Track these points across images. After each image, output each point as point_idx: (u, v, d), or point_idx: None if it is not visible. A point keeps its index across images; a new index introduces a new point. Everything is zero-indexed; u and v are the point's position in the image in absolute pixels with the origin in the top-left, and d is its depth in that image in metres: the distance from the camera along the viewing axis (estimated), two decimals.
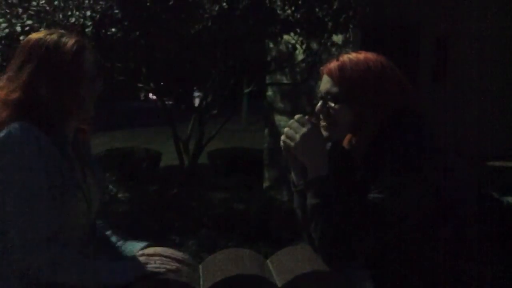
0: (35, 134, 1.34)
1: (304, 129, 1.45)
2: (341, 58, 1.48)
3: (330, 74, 1.47)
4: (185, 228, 4.93)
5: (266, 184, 6.93)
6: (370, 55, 1.48)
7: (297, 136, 1.46)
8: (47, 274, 1.34)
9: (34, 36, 1.44)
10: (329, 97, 1.47)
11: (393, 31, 6.71)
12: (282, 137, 1.50)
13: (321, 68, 1.51)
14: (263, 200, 6.07)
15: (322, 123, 1.50)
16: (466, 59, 6.93)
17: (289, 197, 6.61)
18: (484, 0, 6.70)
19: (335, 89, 1.45)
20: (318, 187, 1.45)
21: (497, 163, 6.36)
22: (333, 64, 1.47)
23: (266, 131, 6.98)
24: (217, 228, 4.89)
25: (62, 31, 1.46)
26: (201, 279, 1.54)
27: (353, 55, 1.48)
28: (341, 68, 1.45)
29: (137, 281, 1.42)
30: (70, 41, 1.41)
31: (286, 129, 1.50)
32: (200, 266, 1.62)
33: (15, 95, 1.37)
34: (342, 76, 1.44)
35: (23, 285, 1.36)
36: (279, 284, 1.49)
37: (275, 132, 6.83)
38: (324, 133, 1.49)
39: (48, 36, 1.42)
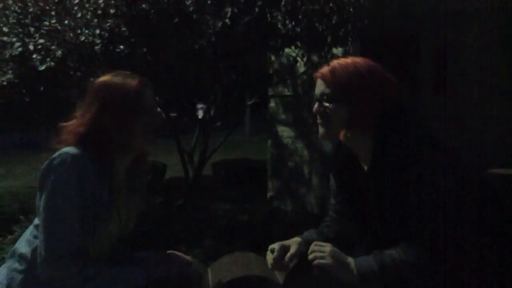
0: (80, 160, 1.49)
1: (329, 245, 1.58)
2: (331, 63, 1.64)
3: (322, 77, 1.62)
4: (191, 238, 5.00)
5: (269, 194, 6.97)
6: (357, 59, 1.63)
7: (327, 249, 1.57)
8: (71, 285, 1.46)
9: (101, 78, 1.61)
10: (324, 98, 1.61)
11: (393, 42, 6.82)
12: (311, 256, 1.59)
13: (315, 73, 1.67)
14: (267, 210, 6.14)
15: (319, 123, 1.64)
16: (466, 70, 7.01)
17: (292, 207, 6.68)
18: (483, 12, 6.78)
19: (328, 91, 1.60)
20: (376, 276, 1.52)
21: (498, 171, 6.41)
22: (325, 69, 1.63)
23: (269, 142, 7.03)
24: (222, 238, 4.97)
25: (127, 72, 1.63)
26: (210, 281, 1.65)
27: (342, 60, 1.63)
28: (332, 71, 1.60)
29: (150, 284, 1.54)
30: (132, 82, 1.58)
31: (312, 250, 1.60)
32: (209, 269, 1.73)
33: (81, 129, 1.54)
34: (333, 79, 1.59)
35: None
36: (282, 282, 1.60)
37: (278, 143, 6.91)
38: (321, 131, 1.64)
39: (113, 78, 1.59)
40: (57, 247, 1.44)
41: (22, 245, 1.56)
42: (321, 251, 1.56)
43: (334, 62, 1.63)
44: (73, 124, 1.58)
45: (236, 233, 5.07)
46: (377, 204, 1.61)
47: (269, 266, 1.68)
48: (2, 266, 1.58)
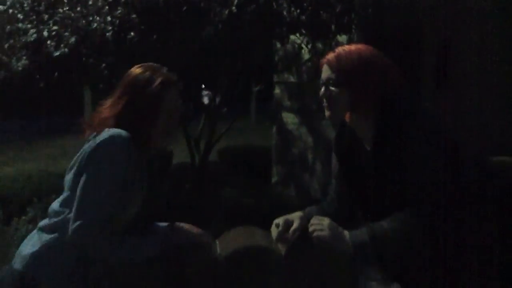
0: (129, 142, 1.67)
1: (327, 219, 1.73)
2: (337, 50, 1.77)
3: (328, 63, 1.76)
4: (197, 221, 5.13)
5: (274, 179, 7.10)
6: (361, 46, 1.77)
7: (325, 222, 1.72)
8: (101, 250, 1.63)
9: (132, 72, 1.78)
10: (329, 82, 1.75)
11: (396, 32, 6.88)
12: (310, 229, 1.74)
13: (321, 60, 1.80)
14: (272, 195, 6.27)
15: (325, 106, 1.78)
16: (468, 65, 7.07)
17: (296, 192, 6.82)
18: (486, 7, 6.82)
19: (333, 76, 1.74)
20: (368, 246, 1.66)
21: (501, 159, 6.48)
22: (331, 55, 1.76)
23: (274, 128, 7.13)
24: (228, 221, 5.10)
25: (157, 66, 1.80)
26: (218, 250, 1.80)
27: (346, 47, 1.77)
28: (337, 58, 1.74)
29: (164, 251, 1.70)
30: (158, 79, 1.74)
31: (312, 223, 1.75)
32: (217, 241, 1.88)
33: (110, 122, 1.72)
34: (338, 65, 1.73)
35: (79, 262, 1.64)
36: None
37: (283, 130, 7.02)
38: (327, 113, 1.78)
39: (142, 74, 1.76)
40: (92, 215, 1.60)
41: (52, 216, 1.71)
42: (320, 224, 1.71)
43: (339, 49, 1.76)
44: (104, 113, 1.75)
45: (241, 216, 5.19)
46: (377, 180, 1.74)
47: (274, 239, 1.83)
48: (34, 237, 1.73)
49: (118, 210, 1.67)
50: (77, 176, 1.67)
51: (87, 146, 1.69)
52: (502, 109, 6.83)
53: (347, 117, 1.79)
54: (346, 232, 1.69)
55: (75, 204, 1.63)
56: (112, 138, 1.65)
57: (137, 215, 1.81)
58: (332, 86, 1.74)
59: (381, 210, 1.72)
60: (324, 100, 1.78)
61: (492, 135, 6.65)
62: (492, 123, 6.78)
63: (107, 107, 1.76)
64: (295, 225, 1.85)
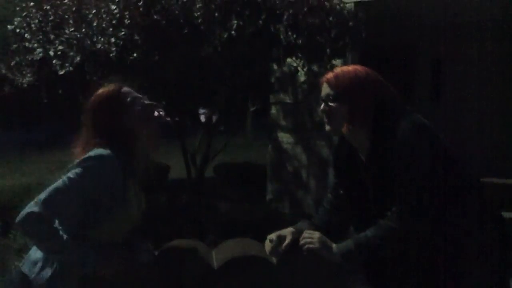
0: (106, 161, 1.82)
1: (317, 233, 1.92)
2: (335, 70, 1.99)
3: (327, 82, 1.96)
4: (192, 234, 5.22)
5: (269, 196, 7.20)
6: (357, 67, 1.98)
7: (315, 236, 1.90)
8: (37, 241, 1.79)
9: (99, 92, 1.98)
10: (329, 98, 1.95)
11: (390, 53, 7.06)
12: (302, 241, 1.93)
13: (321, 79, 2.01)
14: (266, 211, 6.36)
15: (325, 120, 1.98)
16: (461, 80, 7.24)
17: (290, 209, 6.93)
18: (479, 23, 7.00)
19: (332, 92, 1.94)
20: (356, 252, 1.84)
21: (494, 180, 6.60)
22: (330, 75, 1.98)
23: (270, 147, 7.25)
24: (222, 236, 5.19)
25: (120, 85, 1.99)
26: (214, 260, 1.94)
27: (344, 67, 1.99)
28: (336, 76, 1.95)
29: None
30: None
31: (303, 236, 1.94)
32: (213, 251, 2.02)
33: (96, 140, 1.89)
34: (336, 82, 1.93)
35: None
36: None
37: (278, 148, 7.16)
38: (327, 127, 1.98)
39: (109, 91, 1.96)
40: (39, 206, 1.73)
41: None
42: (311, 237, 1.89)
43: (337, 69, 1.98)
44: (87, 135, 1.92)
45: (236, 230, 5.28)
46: (372, 188, 1.91)
47: (268, 253, 1.98)
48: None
49: (99, 220, 1.81)
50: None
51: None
52: (495, 121, 6.96)
53: (344, 130, 1.96)
54: (334, 245, 1.86)
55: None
56: (89, 157, 1.81)
57: (132, 227, 1.94)
58: (331, 102, 1.93)
59: (375, 218, 1.87)
60: (324, 115, 1.97)
61: (486, 147, 6.77)
62: (486, 136, 6.91)
63: (85, 130, 1.94)
64: (287, 240, 2.00)
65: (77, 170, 1.78)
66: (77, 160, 1.83)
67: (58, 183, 1.77)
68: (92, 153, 1.82)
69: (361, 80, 1.91)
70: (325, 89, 1.96)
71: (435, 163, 1.78)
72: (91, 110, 1.94)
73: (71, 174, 1.78)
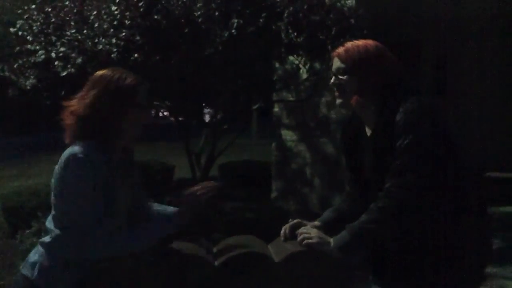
0: (91, 154, 1.79)
1: (314, 229, 1.95)
2: (345, 45, 2.01)
3: (338, 56, 1.99)
4: (199, 232, 5.24)
5: (273, 195, 7.25)
6: (368, 41, 2.01)
7: (313, 232, 1.93)
8: (100, 249, 1.77)
9: (102, 71, 1.90)
10: (339, 71, 1.97)
11: (394, 50, 7.06)
12: (300, 238, 1.94)
13: (332, 53, 2.04)
14: (271, 209, 6.38)
15: (336, 94, 2.00)
16: (466, 77, 7.24)
17: (295, 206, 6.96)
18: (483, 20, 7.00)
19: (342, 66, 1.97)
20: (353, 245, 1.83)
21: (496, 174, 6.61)
22: (340, 49, 2.00)
23: (274, 145, 7.30)
24: (228, 233, 5.19)
25: (124, 70, 1.92)
26: (216, 257, 1.95)
27: (355, 42, 2.01)
28: (346, 50, 1.97)
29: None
30: (128, 79, 1.86)
31: (301, 232, 1.96)
32: (215, 248, 2.03)
33: (80, 111, 1.83)
34: (347, 56, 1.96)
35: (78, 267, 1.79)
36: (276, 260, 1.90)
37: (282, 146, 7.19)
38: (338, 101, 2.00)
39: (112, 72, 1.88)
40: (81, 218, 1.75)
41: (47, 232, 1.87)
42: (308, 233, 1.91)
43: (348, 43, 2.00)
44: (73, 106, 1.84)
45: (241, 229, 5.29)
46: (376, 161, 1.91)
47: (281, 234, 2.03)
48: (38, 248, 1.90)
49: (108, 211, 1.79)
50: (56, 197, 1.82)
51: (56, 167, 1.82)
52: (499, 117, 6.95)
53: (353, 102, 1.97)
54: (330, 238, 1.88)
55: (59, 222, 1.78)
56: (73, 158, 1.76)
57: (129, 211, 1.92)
58: (342, 75, 1.96)
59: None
60: (335, 89, 2.00)
61: (489, 142, 6.76)
62: (490, 131, 6.90)
63: (76, 102, 1.84)
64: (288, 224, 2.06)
65: (74, 171, 1.77)
66: (66, 156, 1.79)
67: (70, 196, 1.77)
68: (66, 154, 1.79)
69: (371, 53, 1.93)
70: (336, 63, 1.99)
71: (432, 144, 1.78)
72: (98, 88, 1.81)
73: (71, 178, 1.78)
